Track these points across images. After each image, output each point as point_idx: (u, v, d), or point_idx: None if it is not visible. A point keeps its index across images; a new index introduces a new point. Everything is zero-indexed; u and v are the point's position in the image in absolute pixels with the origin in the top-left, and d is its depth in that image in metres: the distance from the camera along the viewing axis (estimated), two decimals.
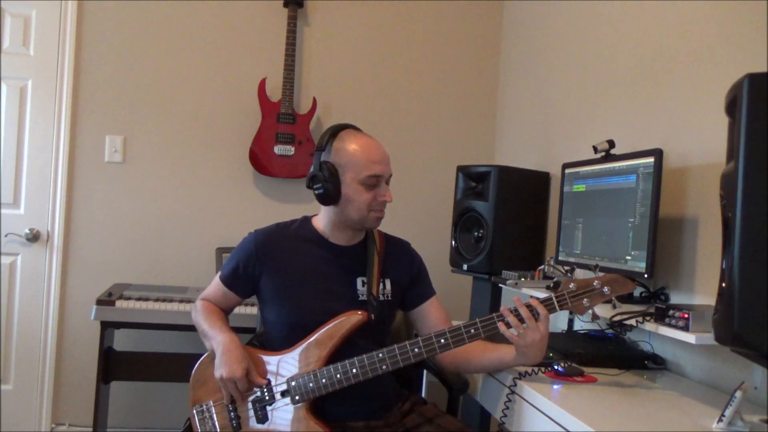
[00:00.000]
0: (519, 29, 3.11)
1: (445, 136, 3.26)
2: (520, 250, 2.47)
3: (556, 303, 1.48)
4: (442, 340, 1.50)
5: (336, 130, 1.63)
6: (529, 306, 1.48)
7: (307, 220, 1.72)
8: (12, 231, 2.89)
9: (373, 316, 1.58)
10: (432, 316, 1.74)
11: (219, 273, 1.72)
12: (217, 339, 1.57)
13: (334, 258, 1.66)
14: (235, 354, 1.53)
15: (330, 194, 1.59)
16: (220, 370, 1.52)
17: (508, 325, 1.47)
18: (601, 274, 1.52)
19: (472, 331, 1.50)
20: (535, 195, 2.57)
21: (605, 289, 1.46)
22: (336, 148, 1.60)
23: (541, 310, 1.47)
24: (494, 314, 1.50)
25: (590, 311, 1.48)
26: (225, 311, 1.73)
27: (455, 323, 1.55)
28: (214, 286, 1.72)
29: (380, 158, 1.60)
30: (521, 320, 1.47)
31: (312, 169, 1.63)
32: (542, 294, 1.90)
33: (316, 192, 1.61)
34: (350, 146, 1.59)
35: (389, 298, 1.68)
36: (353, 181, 1.58)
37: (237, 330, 1.64)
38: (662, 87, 1.94)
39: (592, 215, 2.00)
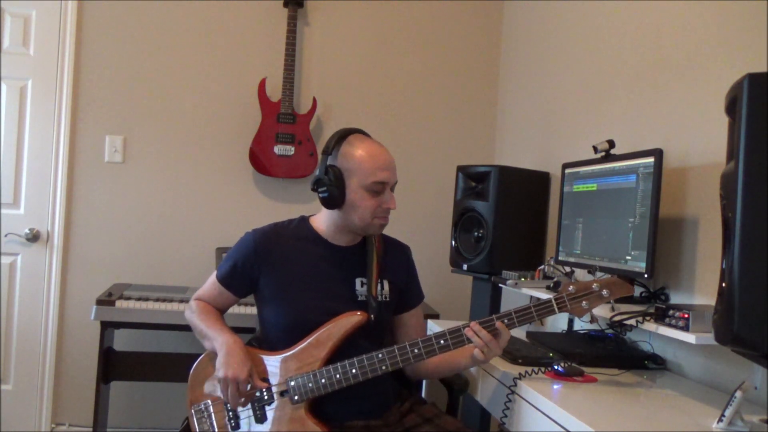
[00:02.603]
0: (519, 29, 3.11)
1: (445, 136, 3.26)
2: (520, 250, 2.46)
3: (555, 305, 1.48)
4: (442, 342, 1.50)
5: (344, 134, 1.62)
6: (492, 329, 1.49)
7: (304, 220, 1.71)
8: (12, 231, 2.89)
9: (372, 317, 1.58)
10: (411, 324, 1.77)
11: (215, 272, 1.70)
12: (220, 339, 1.55)
13: (332, 258, 1.65)
14: (239, 355, 1.52)
15: (334, 198, 1.58)
16: (224, 371, 1.50)
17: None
18: (601, 275, 1.52)
19: (470, 333, 1.50)
20: (535, 195, 2.57)
21: (604, 292, 1.47)
22: (343, 153, 1.59)
23: (504, 333, 1.49)
24: (462, 329, 1.51)
25: (589, 314, 1.49)
26: (220, 311, 1.72)
27: (454, 325, 1.54)
28: (210, 285, 1.71)
29: (386, 165, 1.58)
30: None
31: (317, 171, 1.61)
32: (542, 294, 1.91)
33: (321, 195, 1.60)
34: (357, 151, 1.58)
35: (387, 299, 1.68)
36: (358, 187, 1.57)
37: (236, 330, 1.63)
38: (662, 87, 1.94)
39: (592, 215, 2.00)
